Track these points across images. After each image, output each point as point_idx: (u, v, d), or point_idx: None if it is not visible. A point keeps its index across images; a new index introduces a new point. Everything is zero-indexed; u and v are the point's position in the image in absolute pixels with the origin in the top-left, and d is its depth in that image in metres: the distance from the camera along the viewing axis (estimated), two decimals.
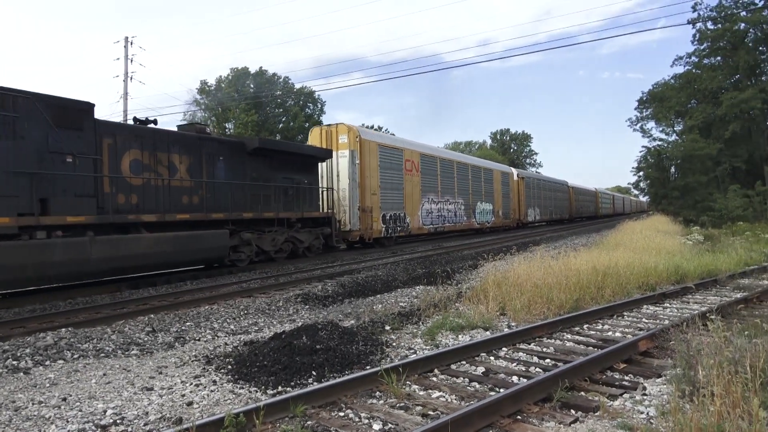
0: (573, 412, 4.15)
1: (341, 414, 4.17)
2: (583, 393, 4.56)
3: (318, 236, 17.17)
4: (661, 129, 45.36)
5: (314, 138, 20.08)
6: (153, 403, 4.44)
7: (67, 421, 4.07)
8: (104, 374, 5.30)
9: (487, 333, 6.71)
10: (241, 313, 8.55)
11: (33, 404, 4.46)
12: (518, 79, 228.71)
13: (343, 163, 19.16)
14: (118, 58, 35.84)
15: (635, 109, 46.42)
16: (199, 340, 6.94)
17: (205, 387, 4.82)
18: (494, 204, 32.47)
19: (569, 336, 6.55)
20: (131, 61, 35.71)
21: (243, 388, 4.80)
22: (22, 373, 5.42)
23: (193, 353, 6.05)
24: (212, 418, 3.78)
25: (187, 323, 7.77)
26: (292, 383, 4.87)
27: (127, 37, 35.75)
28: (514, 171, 38.17)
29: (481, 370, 5.24)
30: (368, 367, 5.22)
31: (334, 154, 19.00)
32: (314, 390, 4.36)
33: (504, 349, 5.93)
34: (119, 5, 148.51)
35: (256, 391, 4.71)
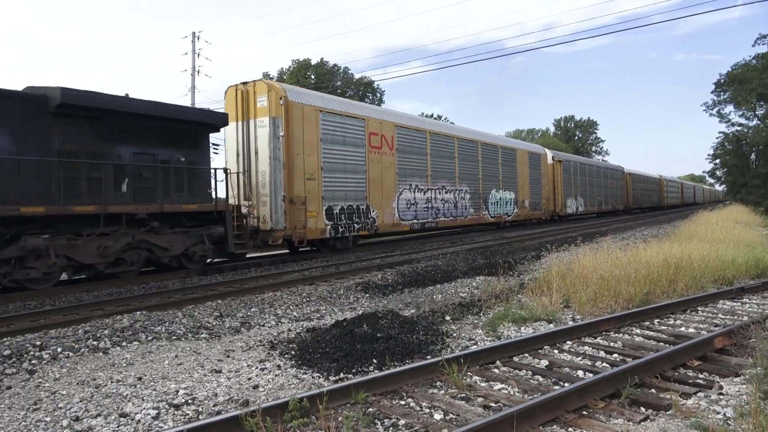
0: (643, 409, 3.99)
1: (402, 402, 4.19)
2: (653, 390, 4.37)
3: (202, 239, 12.13)
4: (740, 113, 42.65)
5: (229, 102, 14.89)
6: (221, 385, 4.61)
7: (143, 400, 4.29)
8: (176, 356, 5.56)
9: (551, 326, 6.55)
10: (304, 300, 8.73)
11: (112, 382, 4.73)
12: (584, 64, 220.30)
13: (262, 135, 14.07)
14: (186, 53, 37.24)
15: (712, 92, 43.84)
16: (263, 325, 7.15)
17: (270, 371, 4.96)
18: (517, 192, 26.58)
19: (638, 331, 6.30)
20: (198, 55, 37.03)
21: (306, 373, 4.90)
22: (101, 353, 5.76)
23: (259, 338, 6.23)
24: (277, 401, 3.89)
25: (253, 309, 8.02)
26: (354, 370, 4.93)
27: (194, 33, 37.07)
28: (548, 152, 32.10)
29: (544, 363, 5.12)
30: (429, 357, 5.21)
31: (251, 123, 14.31)
32: (375, 378, 4.39)
33: (568, 342, 5.76)
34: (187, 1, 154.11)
35: (319, 377, 4.81)
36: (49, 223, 9.91)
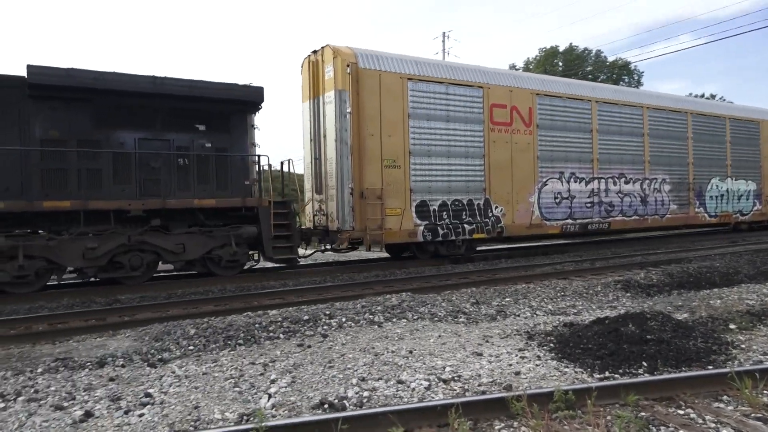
0: None
1: (680, 412, 3.82)
2: None
3: (229, 242, 10.54)
4: None
5: (303, 76, 12.78)
6: (483, 368, 4.81)
7: (415, 371, 4.73)
8: (439, 336, 5.97)
9: None
10: (558, 294, 8.54)
11: (387, 352, 5.32)
12: None
13: (329, 113, 11.80)
14: (437, 53, 39.27)
15: None
16: (518, 315, 7.21)
17: (529, 360, 5.00)
18: (762, 182, 19.53)
19: None
20: (448, 54, 38.72)
21: (567, 367, 4.81)
22: (376, 326, 6.51)
23: (515, 327, 6.31)
24: (542, 390, 3.92)
25: (506, 299, 8.14)
26: (620, 371, 4.66)
27: (444, 32, 38.87)
28: None
29: None
30: (710, 367, 4.65)
31: (320, 99, 12.12)
32: (648, 381, 4.10)
33: None
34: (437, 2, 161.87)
35: (582, 373, 4.67)
36: (30, 221, 9.32)
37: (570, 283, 9.35)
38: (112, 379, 4.75)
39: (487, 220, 13.13)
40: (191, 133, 10.35)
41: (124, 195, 9.70)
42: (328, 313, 6.93)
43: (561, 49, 51.48)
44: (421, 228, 12.21)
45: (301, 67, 12.81)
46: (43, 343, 6.24)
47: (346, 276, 10.99)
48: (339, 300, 8.02)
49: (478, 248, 14.16)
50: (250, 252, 10.90)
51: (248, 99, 10.72)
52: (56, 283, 9.78)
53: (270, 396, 4.27)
